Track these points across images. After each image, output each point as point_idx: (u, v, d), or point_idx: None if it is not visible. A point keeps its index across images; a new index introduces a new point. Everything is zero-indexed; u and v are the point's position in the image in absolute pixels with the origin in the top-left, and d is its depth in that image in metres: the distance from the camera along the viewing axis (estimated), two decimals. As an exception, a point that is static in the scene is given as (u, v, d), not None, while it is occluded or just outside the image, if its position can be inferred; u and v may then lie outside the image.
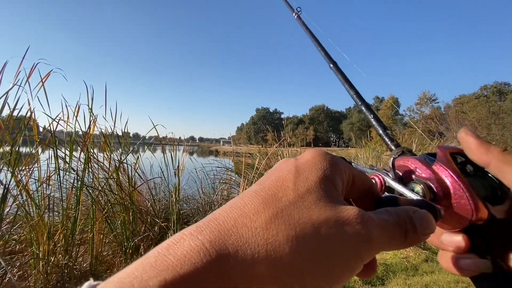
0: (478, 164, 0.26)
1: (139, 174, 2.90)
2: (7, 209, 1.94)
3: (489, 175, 0.25)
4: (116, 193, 2.44)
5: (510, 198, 0.24)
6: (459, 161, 0.26)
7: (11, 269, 1.89)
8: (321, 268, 0.16)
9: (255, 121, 77.71)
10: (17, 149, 1.97)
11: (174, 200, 2.75)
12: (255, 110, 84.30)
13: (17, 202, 1.94)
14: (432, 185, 0.25)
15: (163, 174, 3.09)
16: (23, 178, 2.03)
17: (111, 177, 2.48)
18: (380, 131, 0.41)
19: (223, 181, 4.04)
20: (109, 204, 2.33)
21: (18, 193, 1.96)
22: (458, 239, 0.25)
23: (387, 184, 0.26)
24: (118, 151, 2.74)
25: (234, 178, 4.20)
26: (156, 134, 3.05)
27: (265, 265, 0.14)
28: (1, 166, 1.89)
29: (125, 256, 2.31)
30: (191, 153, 3.97)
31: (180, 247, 0.14)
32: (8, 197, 1.86)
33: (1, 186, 1.81)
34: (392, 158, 0.28)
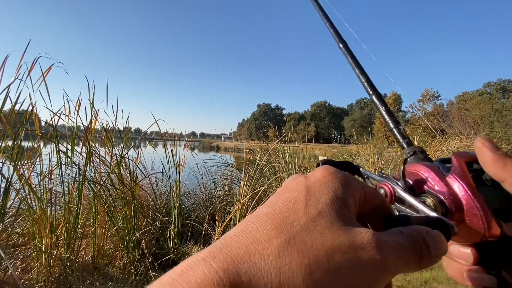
0: (495, 178, 0.24)
1: (140, 169, 2.91)
2: (10, 203, 1.95)
3: None
4: (118, 187, 2.45)
5: None
6: (475, 168, 0.25)
7: (14, 261, 1.91)
8: None
9: (257, 117, 77.57)
10: (19, 143, 1.97)
11: (175, 195, 2.77)
12: (257, 106, 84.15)
13: (20, 196, 1.96)
14: (445, 200, 0.24)
15: (164, 169, 3.11)
16: (25, 172, 2.05)
17: (113, 171, 2.49)
18: (392, 126, 0.37)
19: (224, 177, 4.05)
20: (111, 199, 2.34)
21: (21, 187, 1.97)
22: (467, 252, 0.25)
23: (397, 195, 0.25)
24: (120, 146, 2.75)
25: (235, 174, 4.21)
26: (158, 129, 3.05)
27: None
28: (4, 160, 1.90)
29: (126, 250, 2.33)
30: (192, 149, 3.98)
31: (194, 275, 0.14)
32: (11, 190, 1.88)
33: (4, 180, 1.82)
34: (403, 167, 0.26)
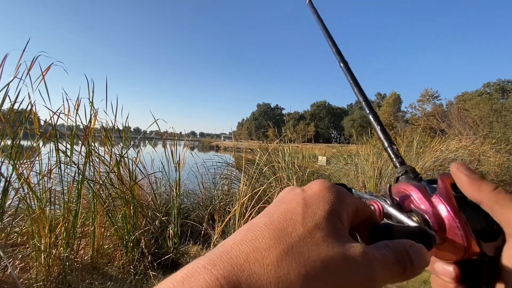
0: (472, 200, 0.26)
1: (140, 169, 2.90)
2: (9, 202, 1.95)
3: None
4: (117, 187, 2.45)
5: (502, 235, 0.24)
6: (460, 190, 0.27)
7: (13, 261, 1.91)
8: None
9: (256, 117, 77.51)
10: (18, 142, 1.97)
11: (175, 194, 2.77)
12: (256, 105, 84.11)
13: (19, 195, 1.95)
14: (429, 219, 0.25)
15: (164, 169, 3.10)
16: (25, 171, 2.04)
17: (112, 171, 2.48)
18: (386, 145, 0.39)
19: (224, 176, 4.05)
20: (110, 198, 2.34)
21: (20, 186, 1.97)
22: (450, 270, 0.26)
23: (385, 211, 0.26)
24: (119, 145, 2.74)
25: (234, 174, 4.21)
26: (157, 129, 3.05)
27: None
28: (3, 159, 1.90)
29: (125, 250, 2.33)
30: (192, 148, 3.97)
31: (195, 282, 0.15)
32: (10, 189, 1.87)
33: (3, 179, 1.82)
34: (388, 185, 0.28)
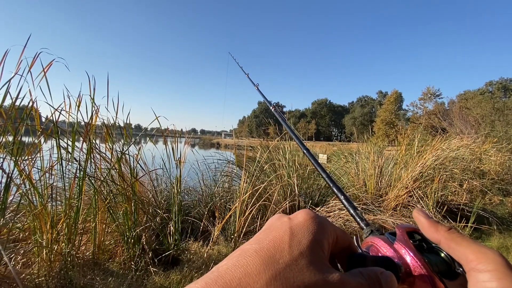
0: (432, 241, 0.28)
1: (141, 165, 2.91)
2: (11, 198, 1.96)
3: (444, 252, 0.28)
4: (118, 183, 2.45)
5: (462, 274, 0.26)
6: (417, 239, 0.30)
7: (15, 256, 1.92)
8: None
9: (257, 114, 77.38)
10: (19, 138, 1.97)
11: (176, 191, 2.77)
12: (257, 103, 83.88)
13: (20, 191, 1.96)
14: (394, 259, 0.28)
15: (164, 166, 3.11)
16: (26, 167, 2.05)
17: (113, 167, 2.49)
18: (352, 211, 0.44)
19: (224, 174, 4.05)
20: (111, 195, 2.35)
21: (21, 182, 1.98)
22: None
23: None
24: (120, 142, 2.75)
25: (235, 171, 4.21)
26: (158, 126, 3.05)
27: None
28: (4, 156, 1.90)
29: (127, 246, 2.35)
30: (192, 145, 3.98)
31: None
32: (12, 186, 1.88)
33: (5, 175, 1.83)
34: (355, 238, 0.31)
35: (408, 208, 3.86)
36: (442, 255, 0.27)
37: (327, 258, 0.23)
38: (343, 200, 0.46)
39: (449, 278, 0.26)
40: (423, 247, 0.29)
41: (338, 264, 0.28)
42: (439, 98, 41.22)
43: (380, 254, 0.29)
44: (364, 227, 0.40)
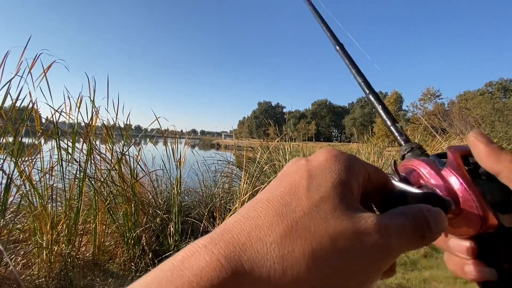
0: (490, 171, 0.24)
1: (141, 166, 2.91)
2: (11, 199, 1.96)
3: None
4: (118, 184, 2.46)
5: None
6: (472, 162, 0.25)
7: (15, 257, 1.92)
8: (340, 284, 0.15)
9: (257, 115, 77.39)
10: (20, 139, 1.98)
11: (176, 192, 2.77)
12: (257, 104, 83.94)
13: (21, 192, 1.96)
14: (441, 193, 0.24)
15: (165, 167, 3.11)
16: (26, 168, 2.05)
17: (113, 168, 2.49)
18: (389, 123, 0.37)
19: (224, 174, 4.05)
20: (111, 195, 2.35)
21: (22, 183, 1.98)
22: (465, 246, 0.25)
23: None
24: (120, 143, 2.75)
25: (235, 172, 4.21)
26: (158, 127, 3.05)
27: (282, 283, 0.14)
28: (5, 156, 1.91)
29: (127, 247, 2.34)
30: (192, 146, 3.98)
31: (196, 261, 0.14)
32: (12, 187, 1.88)
33: (5, 176, 1.83)
34: (393, 161, 0.26)
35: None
36: (501, 182, 0.23)
37: (358, 200, 0.19)
38: (380, 111, 0.39)
39: (503, 211, 0.22)
40: (479, 172, 0.24)
41: (373, 206, 0.23)
42: (439, 99, 41.31)
43: (422, 182, 0.25)
44: (403, 143, 0.33)
